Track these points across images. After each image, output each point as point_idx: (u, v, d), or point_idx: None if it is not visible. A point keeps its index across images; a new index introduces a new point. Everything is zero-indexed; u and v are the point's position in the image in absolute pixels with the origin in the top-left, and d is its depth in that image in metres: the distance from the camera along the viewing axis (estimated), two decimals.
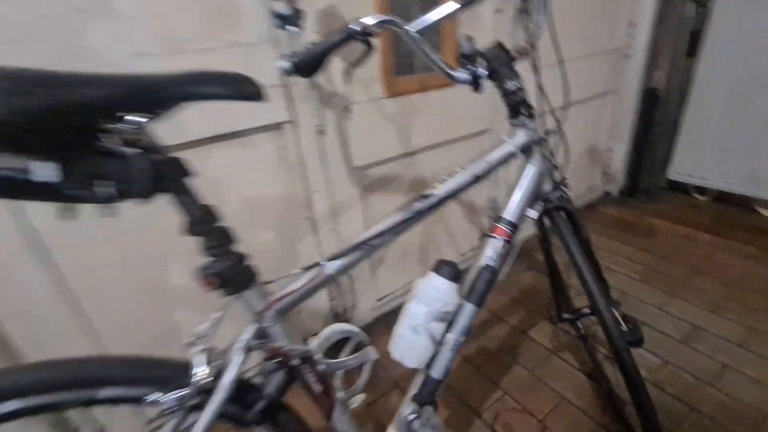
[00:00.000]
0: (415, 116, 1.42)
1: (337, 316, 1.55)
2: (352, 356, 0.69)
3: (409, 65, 1.39)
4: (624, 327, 0.95)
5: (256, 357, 0.63)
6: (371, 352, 0.72)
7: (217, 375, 0.58)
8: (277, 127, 1.14)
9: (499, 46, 0.77)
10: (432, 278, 0.75)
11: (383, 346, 0.74)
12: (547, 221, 0.91)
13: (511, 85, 0.74)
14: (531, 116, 0.77)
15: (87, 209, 0.46)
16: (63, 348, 0.97)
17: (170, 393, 0.55)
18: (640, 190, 2.40)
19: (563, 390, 1.27)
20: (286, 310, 0.64)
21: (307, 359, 0.65)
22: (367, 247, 0.67)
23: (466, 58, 0.77)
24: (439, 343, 0.74)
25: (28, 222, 0.87)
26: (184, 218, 0.52)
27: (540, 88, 0.82)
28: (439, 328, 0.73)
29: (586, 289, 0.84)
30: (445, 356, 0.75)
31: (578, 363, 1.36)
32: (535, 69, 0.81)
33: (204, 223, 0.53)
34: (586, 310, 1.16)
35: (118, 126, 0.43)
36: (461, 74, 0.75)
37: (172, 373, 0.57)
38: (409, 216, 0.71)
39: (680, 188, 2.39)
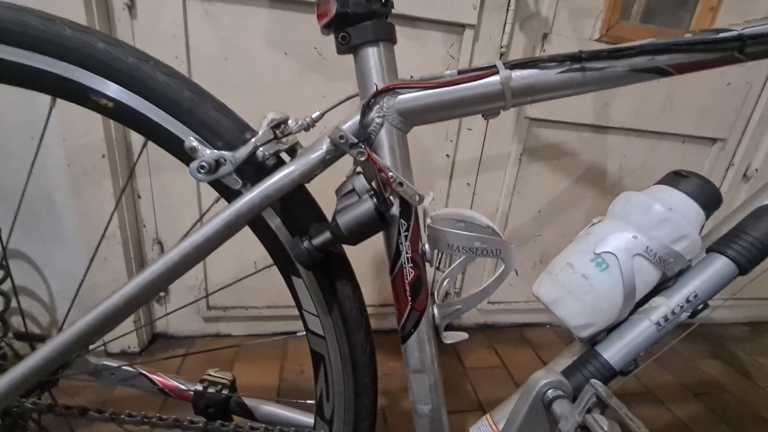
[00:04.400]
0: None
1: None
2: (482, 240, 0.40)
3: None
4: None
5: (349, 164, 0.40)
6: (512, 251, 0.41)
7: (278, 158, 0.37)
8: (456, 28, 0.95)
9: None
10: (662, 191, 0.42)
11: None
12: None
13: None
14: None
15: None
16: None
17: (211, 148, 0.36)
18: None
19: None
20: (413, 116, 0.39)
21: (411, 210, 0.39)
22: None
23: None
24: (636, 302, 0.40)
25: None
26: None
27: None
28: (649, 274, 0.40)
29: None
30: (640, 332, 0.40)
31: None
32: None
33: None
34: None
35: None
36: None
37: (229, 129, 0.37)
38: None
39: None
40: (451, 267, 0.47)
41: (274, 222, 0.40)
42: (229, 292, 1.09)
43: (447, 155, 1.06)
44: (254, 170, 0.37)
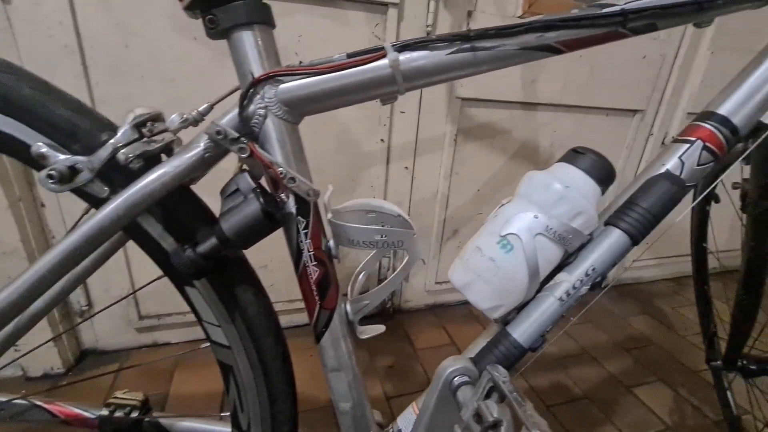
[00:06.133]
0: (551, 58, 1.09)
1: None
2: (383, 233, 0.39)
3: None
4: None
5: (233, 167, 0.36)
6: (415, 242, 0.41)
7: (149, 158, 0.33)
8: (379, 7, 0.91)
9: None
10: (561, 169, 0.43)
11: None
12: None
13: None
14: None
15: None
16: None
17: (64, 152, 0.31)
18: None
19: None
20: (300, 105, 0.36)
21: (308, 206, 0.37)
22: None
23: None
24: (540, 281, 0.41)
25: None
26: None
27: None
28: (551, 252, 0.40)
29: None
30: (545, 309, 0.41)
31: None
32: None
33: None
34: None
35: None
36: None
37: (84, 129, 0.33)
38: None
39: None
40: (365, 261, 0.45)
41: (156, 230, 0.36)
42: (163, 298, 1.02)
43: (381, 140, 1.04)
44: (123, 175, 0.33)
